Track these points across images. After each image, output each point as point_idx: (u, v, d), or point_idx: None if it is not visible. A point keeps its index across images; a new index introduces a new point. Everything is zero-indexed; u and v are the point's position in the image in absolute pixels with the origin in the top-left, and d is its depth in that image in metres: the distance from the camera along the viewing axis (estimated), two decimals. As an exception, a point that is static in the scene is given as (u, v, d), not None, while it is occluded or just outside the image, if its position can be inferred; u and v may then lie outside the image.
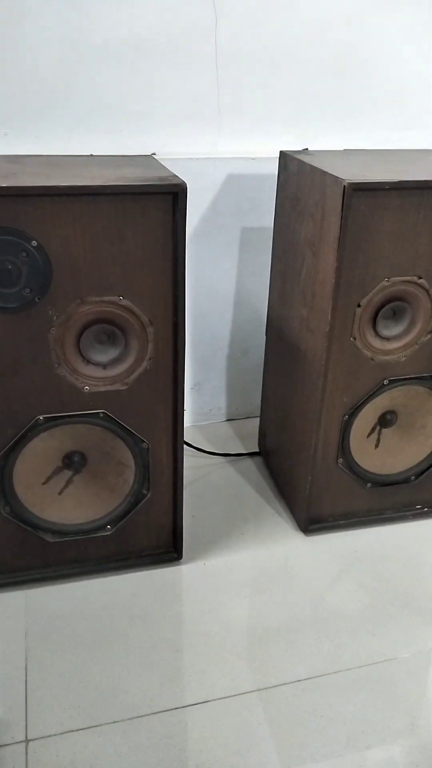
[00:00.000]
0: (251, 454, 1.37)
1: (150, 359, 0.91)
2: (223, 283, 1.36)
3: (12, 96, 1.10)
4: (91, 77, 1.11)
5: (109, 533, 1.01)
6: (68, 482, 0.98)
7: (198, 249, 1.30)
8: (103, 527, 1.00)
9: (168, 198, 0.82)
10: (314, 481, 1.10)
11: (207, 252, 1.32)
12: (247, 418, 1.50)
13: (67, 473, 0.97)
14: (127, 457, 0.97)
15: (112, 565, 1.04)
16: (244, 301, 1.39)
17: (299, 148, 1.26)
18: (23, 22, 1.05)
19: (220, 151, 1.25)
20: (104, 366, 0.89)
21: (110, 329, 0.88)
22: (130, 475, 0.99)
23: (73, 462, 0.97)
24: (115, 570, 1.04)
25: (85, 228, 0.80)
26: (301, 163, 0.99)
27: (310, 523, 1.15)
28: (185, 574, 1.06)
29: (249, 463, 1.35)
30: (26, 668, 0.89)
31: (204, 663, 0.91)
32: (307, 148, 1.27)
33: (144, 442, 0.96)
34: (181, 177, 0.85)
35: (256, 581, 1.05)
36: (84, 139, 1.15)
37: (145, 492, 1.00)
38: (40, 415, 0.89)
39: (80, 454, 0.96)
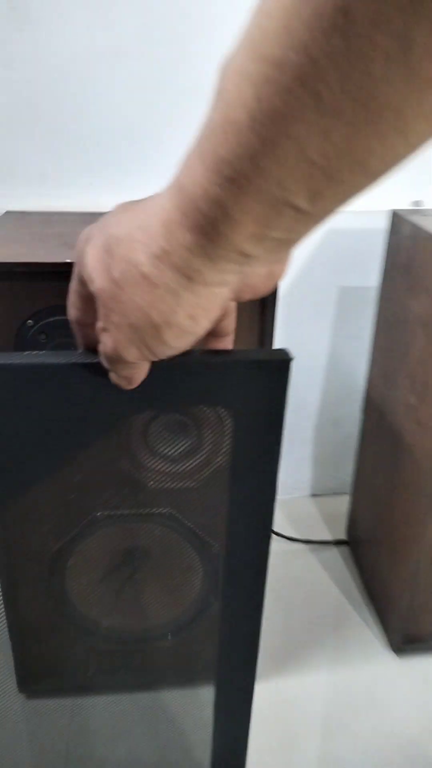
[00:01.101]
0: (338, 543, 1.21)
1: (225, 454, 0.78)
2: (315, 345, 1.22)
3: (98, 141, 1.01)
4: (188, 122, 1.02)
5: (168, 643, 0.88)
6: (126, 583, 0.86)
7: (289, 306, 1.17)
8: (162, 636, 0.88)
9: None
10: (414, 595, 0.93)
11: (299, 310, 1.18)
12: (335, 494, 1.34)
13: (125, 573, 0.86)
14: (194, 559, 0.85)
15: (169, 679, 0.91)
16: (338, 366, 1.24)
17: (410, 200, 1.11)
18: (114, 66, 0.97)
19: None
20: (173, 460, 0.77)
21: (182, 419, 0.76)
22: (196, 580, 0.86)
23: (132, 561, 0.85)
24: (171, 685, 0.91)
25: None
26: (417, 228, 0.84)
27: (405, 642, 0.97)
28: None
29: (335, 553, 1.19)
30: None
31: None
32: (419, 201, 1.11)
33: (213, 545, 0.83)
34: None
35: (333, 712, 0.89)
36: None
37: (212, 600, 0.87)
38: (99, 511, 0.79)
39: (141, 553, 0.85)
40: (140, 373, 0.39)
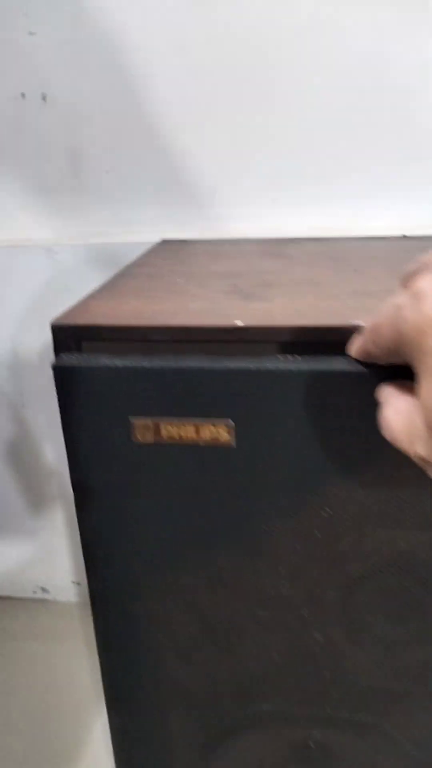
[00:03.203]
0: None
1: None
2: None
3: (285, 151, 0.76)
4: (392, 124, 0.73)
5: None
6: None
7: None
8: None
9: None
10: None
11: None
12: None
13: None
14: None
15: None
16: None
17: None
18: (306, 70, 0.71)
19: None
20: (387, 646, 0.49)
21: (405, 586, 0.47)
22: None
23: (309, 757, 0.58)
24: None
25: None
26: None
27: None
28: None
29: None
30: None
31: None
32: None
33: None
34: None
35: None
36: (373, 209, 0.77)
37: None
38: (265, 702, 0.52)
39: (320, 747, 0.57)
40: None
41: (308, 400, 0.39)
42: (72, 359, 0.41)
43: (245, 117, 0.74)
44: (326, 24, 0.69)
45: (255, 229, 0.78)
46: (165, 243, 0.74)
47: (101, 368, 0.40)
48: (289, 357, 0.39)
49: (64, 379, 0.41)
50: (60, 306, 0.88)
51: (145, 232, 0.82)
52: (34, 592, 1.03)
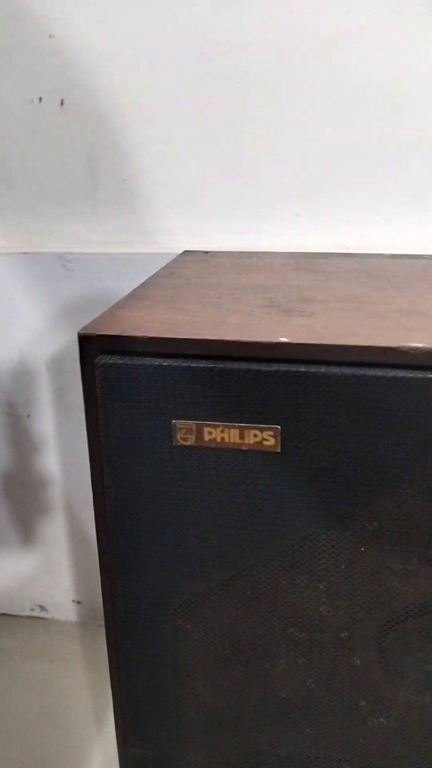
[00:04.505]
0: None
1: None
2: None
3: (311, 163, 0.75)
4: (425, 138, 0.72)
5: None
6: None
7: None
8: None
9: None
10: None
11: None
12: None
13: None
14: None
15: None
16: None
17: None
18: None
19: None
20: (420, 691, 0.46)
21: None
22: None
23: None
24: None
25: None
26: None
27: None
28: None
29: None
30: None
31: None
32: None
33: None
34: None
35: None
36: (402, 226, 0.76)
37: None
38: (295, 732, 0.49)
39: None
40: None
41: (359, 407, 0.37)
42: (115, 358, 0.39)
43: (267, 128, 0.74)
44: (359, 35, 0.69)
45: (280, 244, 0.77)
46: (188, 254, 0.73)
47: (146, 367, 0.38)
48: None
49: (106, 377, 0.39)
50: (73, 315, 0.86)
51: (162, 242, 0.80)
52: (32, 610, 0.99)
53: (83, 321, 0.45)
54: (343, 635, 0.43)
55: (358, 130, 0.72)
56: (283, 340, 0.37)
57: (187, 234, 0.79)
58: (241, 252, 0.73)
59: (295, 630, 0.43)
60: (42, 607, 1.00)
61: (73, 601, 0.98)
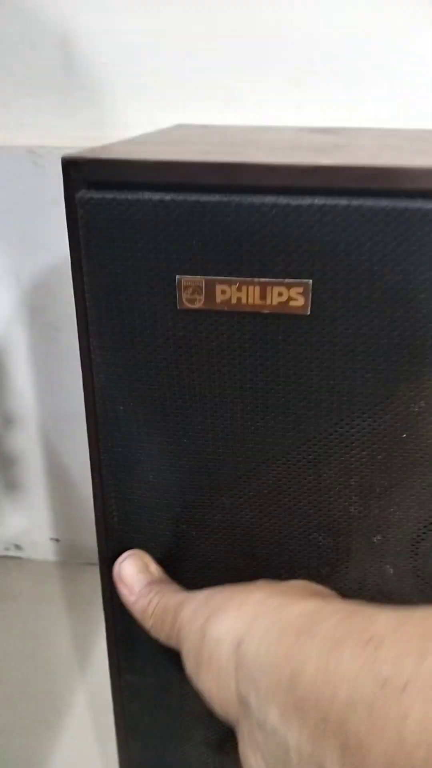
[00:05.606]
0: None
1: None
2: None
3: (311, 54, 0.66)
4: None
5: None
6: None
7: None
8: None
9: None
10: None
11: None
12: None
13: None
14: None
15: None
16: None
17: None
18: None
19: None
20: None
21: None
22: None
23: None
24: None
25: None
26: None
27: None
28: None
29: None
30: None
31: None
32: None
33: None
34: None
35: None
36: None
37: None
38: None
39: None
40: None
41: (412, 251, 0.30)
42: (104, 192, 0.31)
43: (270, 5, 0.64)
44: None
45: (279, 119, 0.68)
46: (181, 126, 0.64)
47: (144, 203, 0.30)
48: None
49: (93, 218, 0.31)
50: (43, 218, 0.76)
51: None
52: (7, 549, 0.92)
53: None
54: (375, 539, 0.37)
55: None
56: (325, 162, 0.29)
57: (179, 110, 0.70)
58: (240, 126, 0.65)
59: (320, 535, 0.37)
60: (17, 546, 0.93)
61: (51, 539, 0.92)
